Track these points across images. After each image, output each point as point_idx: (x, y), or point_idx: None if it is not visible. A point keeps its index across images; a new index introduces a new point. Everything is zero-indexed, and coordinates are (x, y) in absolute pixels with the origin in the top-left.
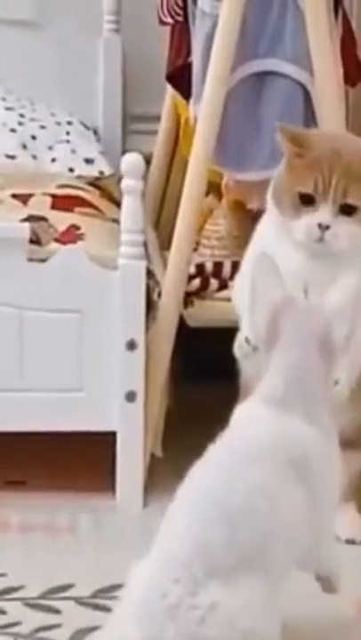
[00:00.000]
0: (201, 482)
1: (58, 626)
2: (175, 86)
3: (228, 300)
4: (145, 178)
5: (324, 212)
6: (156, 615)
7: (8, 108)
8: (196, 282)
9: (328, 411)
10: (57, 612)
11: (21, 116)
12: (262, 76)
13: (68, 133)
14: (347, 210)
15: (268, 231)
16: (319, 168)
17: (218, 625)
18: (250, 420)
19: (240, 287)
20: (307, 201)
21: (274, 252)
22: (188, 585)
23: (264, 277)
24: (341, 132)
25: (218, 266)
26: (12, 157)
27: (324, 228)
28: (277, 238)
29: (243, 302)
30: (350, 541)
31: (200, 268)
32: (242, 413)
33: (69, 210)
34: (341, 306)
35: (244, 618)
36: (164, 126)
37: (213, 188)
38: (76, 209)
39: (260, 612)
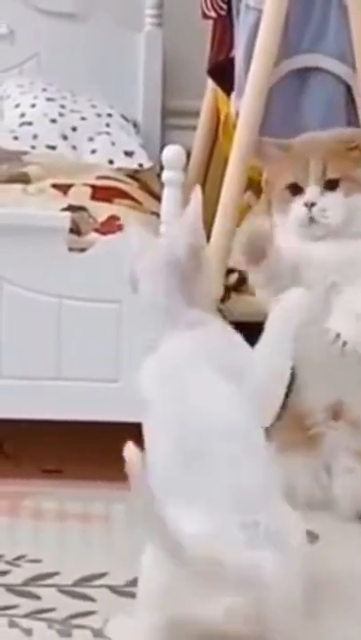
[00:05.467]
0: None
1: (92, 613)
2: (216, 81)
3: None
4: (184, 172)
5: (309, 193)
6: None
7: (49, 99)
8: (234, 276)
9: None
10: (91, 599)
11: (62, 107)
12: (305, 72)
13: (108, 125)
14: (330, 185)
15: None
16: (297, 158)
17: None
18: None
19: None
20: (295, 191)
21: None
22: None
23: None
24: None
25: None
26: (53, 148)
27: (309, 205)
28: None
29: None
30: None
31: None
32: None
33: (109, 201)
34: (183, 220)
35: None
36: (203, 121)
37: (252, 185)
38: (116, 200)
39: None
